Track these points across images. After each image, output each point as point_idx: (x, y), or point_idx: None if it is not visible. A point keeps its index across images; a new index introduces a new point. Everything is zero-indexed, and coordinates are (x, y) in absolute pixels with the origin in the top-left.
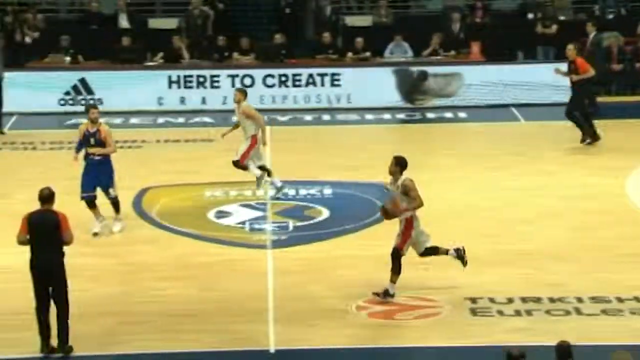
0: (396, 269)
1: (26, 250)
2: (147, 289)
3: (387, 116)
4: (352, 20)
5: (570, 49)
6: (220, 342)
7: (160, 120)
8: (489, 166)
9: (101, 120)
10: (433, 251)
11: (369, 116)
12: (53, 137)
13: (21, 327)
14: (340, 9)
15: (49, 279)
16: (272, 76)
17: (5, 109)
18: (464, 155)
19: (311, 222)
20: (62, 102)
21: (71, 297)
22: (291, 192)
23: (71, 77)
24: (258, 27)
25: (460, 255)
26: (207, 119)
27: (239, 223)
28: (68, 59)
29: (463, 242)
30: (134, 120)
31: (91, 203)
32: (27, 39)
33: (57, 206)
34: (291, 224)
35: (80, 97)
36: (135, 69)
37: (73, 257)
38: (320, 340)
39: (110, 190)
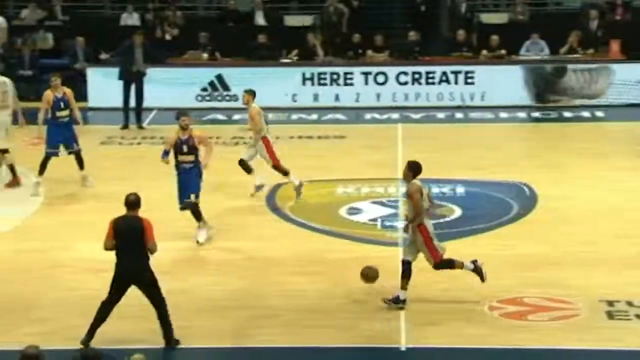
0: (455, 266)
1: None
2: (278, 283)
3: (521, 114)
4: (487, 18)
5: None
6: (351, 338)
7: (294, 116)
8: (631, 166)
9: (236, 116)
10: (450, 265)
11: (503, 114)
12: None
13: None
14: (476, 6)
15: (132, 283)
16: (405, 73)
17: (145, 104)
18: (603, 154)
19: (443, 220)
20: (200, 97)
21: (205, 292)
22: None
23: (208, 74)
24: (392, 25)
25: (477, 269)
26: (340, 116)
27: (371, 220)
28: (206, 55)
29: (604, 243)
30: (268, 116)
31: (196, 213)
32: (167, 36)
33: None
34: None
35: (216, 93)
36: (270, 65)
37: (208, 250)
38: (451, 339)
39: (192, 196)
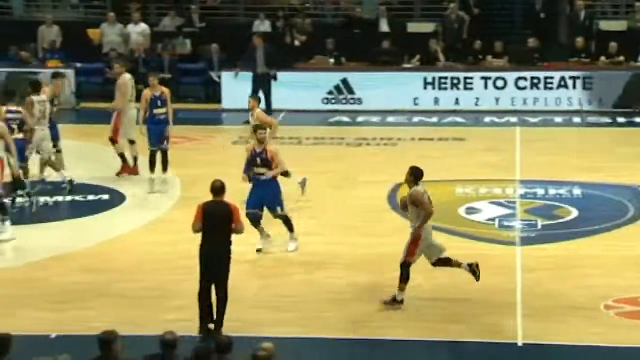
0: (403, 278)
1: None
2: (396, 278)
3: (638, 119)
4: (606, 25)
5: None
6: (468, 332)
7: (415, 119)
8: None
9: (360, 118)
10: (446, 262)
11: (620, 119)
12: (316, 133)
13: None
14: (595, 13)
15: (214, 265)
16: (524, 78)
17: (274, 106)
18: None
19: (559, 221)
20: (325, 100)
21: (329, 284)
22: (540, 191)
23: (334, 78)
24: (512, 31)
25: (472, 269)
26: (459, 119)
27: (489, 219)
28: (332, 60)
29: None
30: (390, 118)
31: (255, 221)
32: (296, 42)
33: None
34: (540, 222)
35: (341, 96)
36: (393, 70)
37: (327, 245)
38: (567, 337)
39: (278, 209)
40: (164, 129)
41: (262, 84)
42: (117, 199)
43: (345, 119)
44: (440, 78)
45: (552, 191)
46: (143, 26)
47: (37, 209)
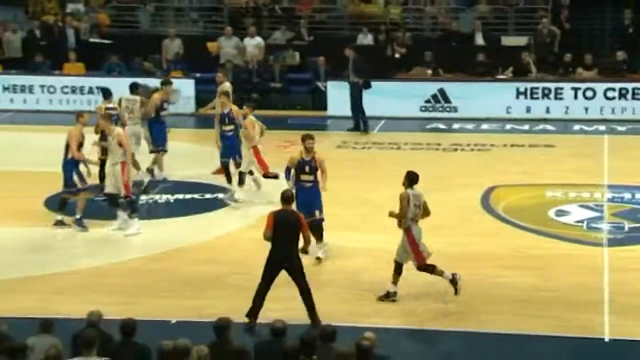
0: (435, 271)
1: (389, 233)
2: (491, 275)
3: None
4: None
5: None
6: (557, 328)
7: (508, 126)
8: None
9: (455, 125)
10: (431, 269)
11: None
12: (414, 139)
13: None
14: None
15: (283, 268)
16: (612, 89)
17: (376, 114)
18: None
19: None
20: (423, 108)
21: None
22: (627, 195)
23: (432, 87)
24: (601, 45)
25: (454, 281)
26: (549, 127)
27: (577, 222)
28: (430, 71)
29: None
30: (484, 126)
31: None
32: (397, 55)
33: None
34: (627, 225)
35: (438, 105)
36: (487, 81)
37: (427, 243)
38: None
39: (317, 212)
40: (231, 146)
41: (354, 92)
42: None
43: (441, 126)
44: (532, 88)
45: (638, 195)
46: (258, 39)
47: (158, 205)
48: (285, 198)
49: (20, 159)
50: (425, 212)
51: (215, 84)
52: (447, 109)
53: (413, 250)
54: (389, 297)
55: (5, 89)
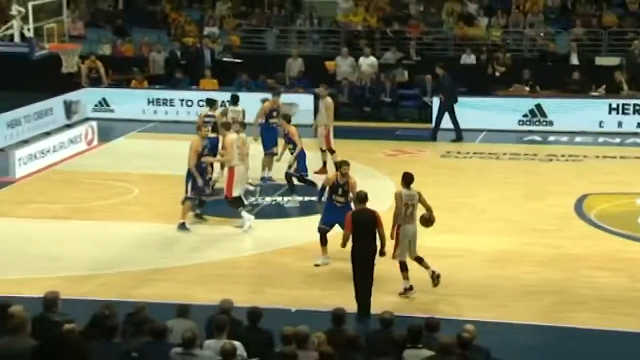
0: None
1: (491, 235)
2: (583, 275)
3: None
4: None
5: None
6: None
7: (600, 140)
8: None
9: (551, 138)
10: (420, 261)
11: None
12: (512, 150)
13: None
14: None
15: (365, 263)
16: None
17: (477, 126)
18: None
19: None
20: (521, 122)
21: (524, 278)
22: None
23: (529, 103)
24: None
25: (434, 276)
26: None
27: None
28: (527, 88)
29: None
30: (577, 139)
31: (323, 237)
32: (497, 73)
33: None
34: None
35: (535, 119)
36: (581, 97)
37: (522, 245)
38: None
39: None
40: (276, 135)
41: (445, 107)
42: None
43: (537, 138)
44: (624, 105)
45: None
46: (372, 59)
47: (279, 207)
48: (361, 198)
49: (161, 164)
50: (427, 208)
51: (318, 97)
52: (544, 123)
53: (395, 246)
54: (406, 292)
55: (150, 102)
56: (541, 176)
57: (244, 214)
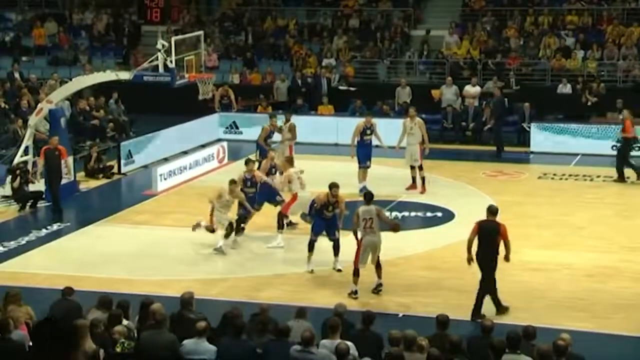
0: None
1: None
2: None
3: None
4: None
5: None
6: None
7: None
8: None
9: None
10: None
11: None
12: (606, 173)
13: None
14: None
15: (485, 267)
16: None
17: (572, 150)
18: None
19: None
20: (614, 147)
21: (616, 292)
22: None
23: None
24: None
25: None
26: None
27: None
28: (621, 116)
29: None
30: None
31: (312, 246)
32: (589, 102)
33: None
34: None
35: None
36: None
37: (617, 262)
38: None
39: (336, 233)
40: (370, 150)
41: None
42: (447, 216)
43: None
44: None
45: None
46: (477, 88)
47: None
48: (493, 211)
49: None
50: (384, 221)
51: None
52: (636, 148)
53: (355, 254)
54: (352, 295)
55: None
56: (634, 198)
57: (280, 236)
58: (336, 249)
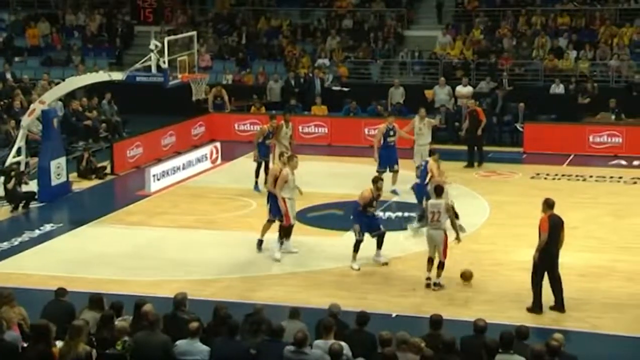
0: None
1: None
2: None
3: None
4: None
5: None
6: None
7: None
8: None
9: (635, 162)
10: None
11: None
12: (599, 172)
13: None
14: None
15: (549, 265)
16: None
17: (566, 151)
18: None
19: None
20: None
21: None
22: None
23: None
24: None
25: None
26: None
27: None
28: (613, 116)
29: None
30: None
31: (359, 245)
32: (584, 102)
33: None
34: None
35: None
36: None
37: (611, 262)
38: None
39: (381, 227)
40: (395, 153)
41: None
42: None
43: (623, 162)
44: None
45: None
46: (469, 88)
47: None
48: (550, 204)
49: None
50: (450, 219)
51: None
52: None
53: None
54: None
55: None
56: (627, 197)
57: (279, 246)
58: (380, 243)
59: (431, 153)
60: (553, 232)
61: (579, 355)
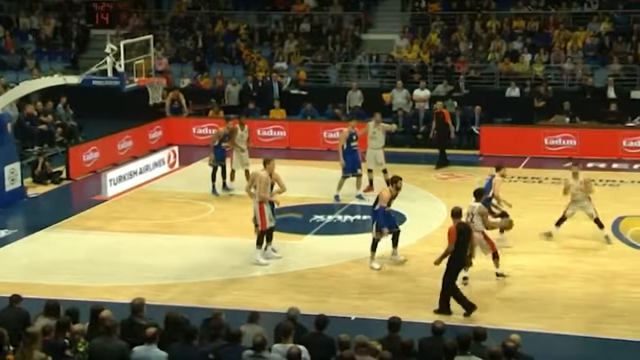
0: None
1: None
2: (620, 291)
3: None
4: None
5: None
6: None
7: (635, 166)
8: None
9: (589, 165)
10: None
11: None
12: (555, 174)
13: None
14: None
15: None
16: None
17: (522, 153)
18: None
19: None
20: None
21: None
22: None
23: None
24: None
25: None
26: None
27: None
28: (567, 119)
29: None
30: (614, 165)
31: (376, 244)
32: (539, 105)
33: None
34: None
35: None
36: (617, 128)
37: (570, 262)
38: None
39: (398, 226)
40: (357, 158)
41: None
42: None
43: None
44: None
45: None
46: (426, 91)
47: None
48: (456, 213)
49: (235, 185)
50: (484, 223)
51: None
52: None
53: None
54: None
55: None
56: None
57: (269, 247)
58: (396, 241)
59: (498, 168)
60: (462, 239)
61: (538, 356)
